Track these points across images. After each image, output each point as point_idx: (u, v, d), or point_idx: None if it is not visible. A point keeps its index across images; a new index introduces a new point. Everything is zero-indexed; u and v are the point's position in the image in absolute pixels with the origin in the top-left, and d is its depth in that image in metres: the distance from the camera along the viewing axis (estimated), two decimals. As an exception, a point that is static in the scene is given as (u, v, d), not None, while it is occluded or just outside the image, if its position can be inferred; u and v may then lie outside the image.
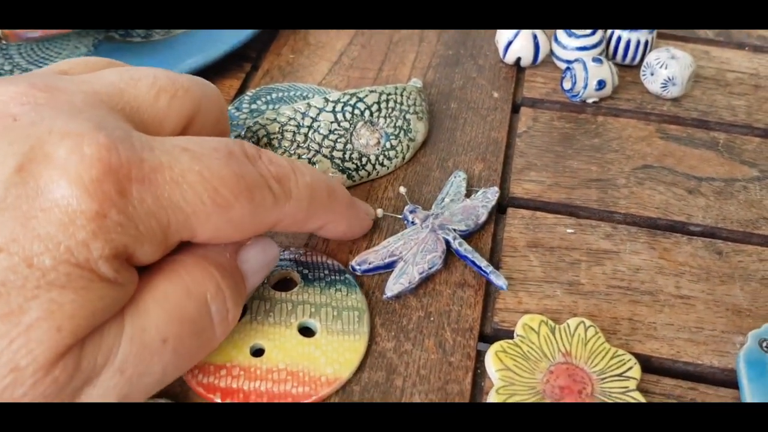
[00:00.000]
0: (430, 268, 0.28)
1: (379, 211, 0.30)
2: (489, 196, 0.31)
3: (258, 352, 0.25)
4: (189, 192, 0.20)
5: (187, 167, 0.20)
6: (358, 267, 0.28)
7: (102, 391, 0.19)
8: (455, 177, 0.32)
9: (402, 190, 0.31)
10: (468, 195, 0.31)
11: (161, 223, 0.20)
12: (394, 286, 0.27)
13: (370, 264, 0.28)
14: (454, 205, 0.30)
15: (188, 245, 0.22)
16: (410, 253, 0.28)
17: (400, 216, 0.30)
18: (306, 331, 0.26)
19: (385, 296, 0.27)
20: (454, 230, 0.29)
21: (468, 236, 0.30)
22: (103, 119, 0.20)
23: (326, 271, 0.28)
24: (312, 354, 0.25)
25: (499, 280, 0.27)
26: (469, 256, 0.28)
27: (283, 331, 0.25)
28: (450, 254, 0.29)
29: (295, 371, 0.24)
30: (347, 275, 0.28)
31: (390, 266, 0.28)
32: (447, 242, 0.29)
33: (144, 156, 0.19)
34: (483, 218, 0.30)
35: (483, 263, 0.28)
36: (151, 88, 0.23)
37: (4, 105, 0.20)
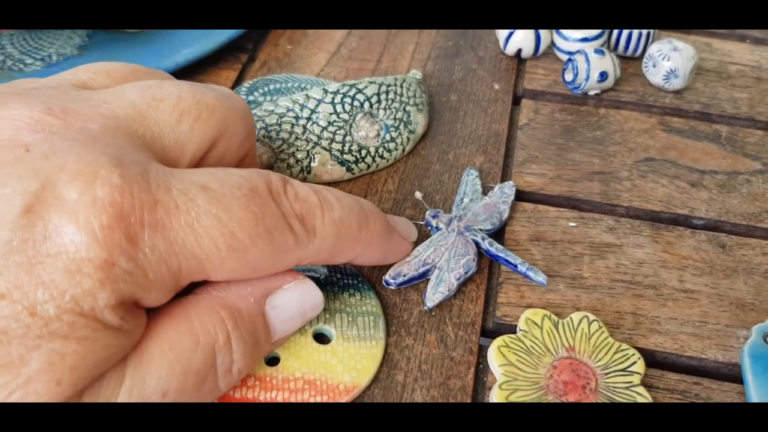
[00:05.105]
0: (466, 273, 0.27)
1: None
2: (506, 191, 0.30)
3: (272, 361, 0.24)
4: (204, 237, 0.19)
5: (203, 210, 0.19)
6: (393, 281, 0.27)
7: None
8: (468, 175, 0.31)
9: (418, 195, 0.30)
10: (484, 192, 0.31)
11: (172, 270, 0.19)
12: (434, 296, 0.26)
13: (405, 276, 0.27)
14: (475, 204, 0.30)
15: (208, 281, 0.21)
16: (443, 259, 0.27)
17: (422, 222, 0.29)
18: (321, 338, 0.25)
19: (425, 307, 0.26)
20: (481, 230, 0.28)
21: (494, 234, 0.29)
22: (120, 151, 0.19)
23: (339, 275, 0.27)
24: (329, 361, 0.24)
25: (538, 276, 0.27)
26: (502, 255, 0.28)
27: (297, 338, 0.24)
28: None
29: (312, 380, 0.23)
30: (360, 279, 0.27)
31: (424, 275, 0.27)
32: (476, 243, 0.28)
33: (159, 197, 0.18)
34: (506, 215, 0.30)
35: (518, 261, 0.27)
36: (174, 110, 0.21)
37: (17, 131, 0.19)
